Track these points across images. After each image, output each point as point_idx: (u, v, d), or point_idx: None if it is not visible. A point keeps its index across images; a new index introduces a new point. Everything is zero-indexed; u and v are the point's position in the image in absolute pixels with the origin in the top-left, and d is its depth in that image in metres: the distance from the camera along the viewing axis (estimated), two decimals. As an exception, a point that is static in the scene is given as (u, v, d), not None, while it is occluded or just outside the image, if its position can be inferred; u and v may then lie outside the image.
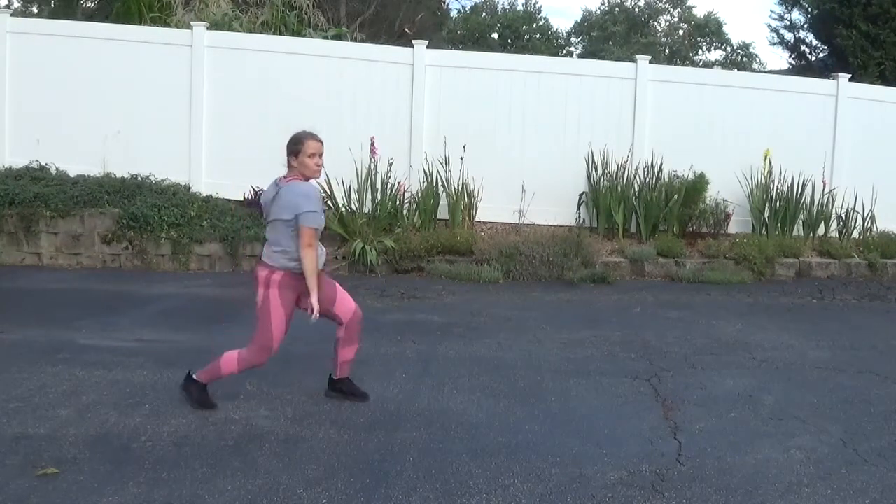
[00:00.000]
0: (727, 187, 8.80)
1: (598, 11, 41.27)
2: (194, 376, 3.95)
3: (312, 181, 3.87)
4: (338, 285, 4.07)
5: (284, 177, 3.86)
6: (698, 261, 8.14)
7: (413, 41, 8.95)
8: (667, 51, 37.96)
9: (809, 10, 15.79)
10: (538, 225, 8.63)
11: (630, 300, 6.96)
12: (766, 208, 8.81)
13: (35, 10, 23.06)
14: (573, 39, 42.62)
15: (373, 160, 8.25)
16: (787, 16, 17.56)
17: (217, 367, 3.90)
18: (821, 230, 9.02)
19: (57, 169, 8.20)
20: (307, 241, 3.71)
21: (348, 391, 4.19)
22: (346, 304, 4.02)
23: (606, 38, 39.19)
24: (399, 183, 8.33)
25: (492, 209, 8.75)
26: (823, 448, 3.75)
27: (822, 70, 13.94)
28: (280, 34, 10.46)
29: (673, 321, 6.23)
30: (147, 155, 8.43)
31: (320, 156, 3.83)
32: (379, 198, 8.24)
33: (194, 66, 8.61)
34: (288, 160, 3.84)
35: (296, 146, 3.80)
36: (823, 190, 8.95)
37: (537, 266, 7.61)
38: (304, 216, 3.70)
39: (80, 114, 8.55)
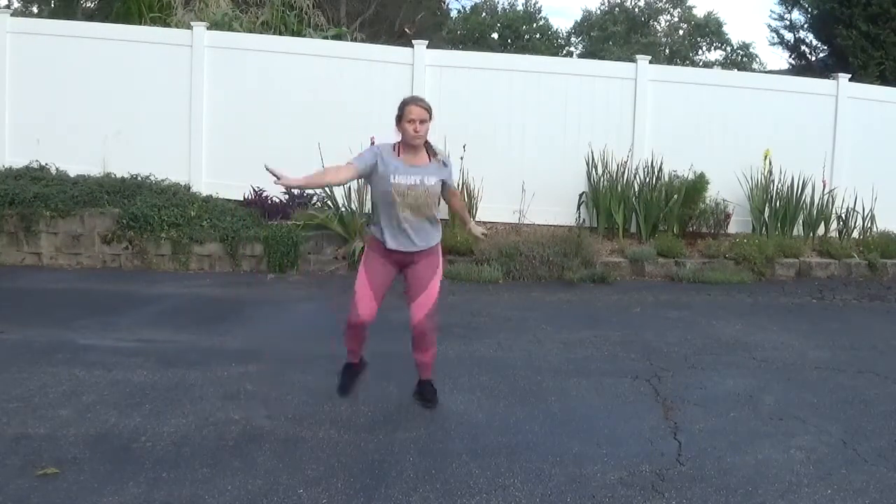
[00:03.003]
0: (727, 187, 8.80)
1: (598, 11, 41.29)
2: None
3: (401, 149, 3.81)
4: (432, 285, 3.87)
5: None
6: (698, 261, 8.13)
7: (413, 41, 8.94)
8: (667, 51, 37.96)
9: (809, 10, 15.81)
10: (538, 225, 8.63)
11: (630, 300, 6.96)
12: (766, 208, 8.81)
13: (35, 10, 23.06)
14: (573, 39, 42.64)
15: (373, 160, 8.23)
16: (787, 16, 17.60)
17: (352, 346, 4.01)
18: (821, 230, 9.01)
19: (57, 169, 8.19)
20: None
21: (417, 391, 4.16)
22: (417, 309, 3.87)
23: (606, 38, 39.18)
24: (399, 183, 8.31)
25: (492, 209, 8.74)
26: (823, 448, 3.75)
27: (822, 70, 13.94)
28: (280, 34, 10.46)
29: (673, 321, 6.23)
30: (147, 155, 8.42)
31: (421, 122, 3.72)
32: (379, 198, 8.23)
33: (194, 66, 8.61)
34: (396, 127, 3.81)
35: (399, 112, 3.76)
36: (823, 190, 8.94)
37: (537, 266, 7.60)
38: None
39: (80, 114, 8.54)
